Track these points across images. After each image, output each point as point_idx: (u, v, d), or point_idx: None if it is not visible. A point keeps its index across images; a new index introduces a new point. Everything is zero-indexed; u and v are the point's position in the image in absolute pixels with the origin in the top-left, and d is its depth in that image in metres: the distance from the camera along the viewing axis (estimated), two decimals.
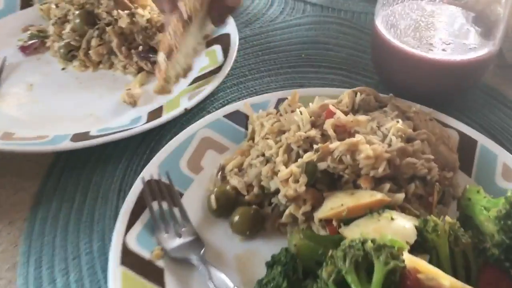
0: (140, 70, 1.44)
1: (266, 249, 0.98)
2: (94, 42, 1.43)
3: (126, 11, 1.42)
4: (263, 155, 1.09)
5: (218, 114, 1.22)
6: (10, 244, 1.05)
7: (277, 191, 1.02)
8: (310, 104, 1.16)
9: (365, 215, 0.91)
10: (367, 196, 0.94)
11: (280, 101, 1.25)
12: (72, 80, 1.43)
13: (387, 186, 0.97)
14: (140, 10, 1.43)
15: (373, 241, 0.78)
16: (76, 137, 1.19)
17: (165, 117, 1.22)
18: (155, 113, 1.27)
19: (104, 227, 1.08)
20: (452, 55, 1.21)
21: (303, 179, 0.98)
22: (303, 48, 1.56)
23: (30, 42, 1.52)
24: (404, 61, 1.25)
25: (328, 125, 1.04)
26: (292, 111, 1.15)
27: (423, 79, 1.27)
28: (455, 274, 0.82)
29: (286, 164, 1.03)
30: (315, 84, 1.44)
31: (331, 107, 1.09)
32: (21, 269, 1.00)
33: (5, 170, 1.20)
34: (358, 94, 1.15)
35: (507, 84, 1.44)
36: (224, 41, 1.48)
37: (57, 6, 1.50)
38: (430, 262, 0.82)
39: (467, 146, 1.15)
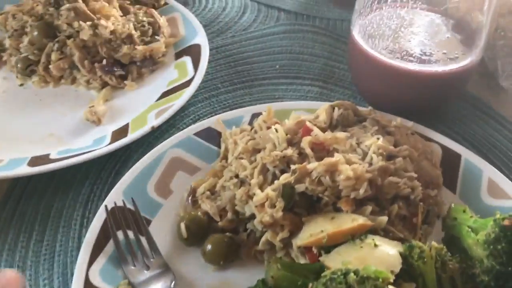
0: (104, 85, 1.36)
1: (241, 279, 0.92)
2: (54, 56, 1.34)
3: (88, 22, 1.33)
4: (237, 176, 1.02)
5: (188, 131, 1.14)
6: None
7: (252, 216, 0.96)
8: (286, 120, 1.10)
9: (346, 241, 0.86)
10: (349, 221, 0.88)
11: (254, 116, 1.18)
12: (31, 97, 1.34)
13: (369, 208, 0.92)
14: (103, 21, 1.34)
15: (356, 272, 0.74)
16: (34, 161, 1.10)
17: (131, 136, 1.14)
18: (120, 132, 1.19)
19: (66, 260, 0.99)
20: (433, 66, 1.17)
21: (280, 203, 0.92)
22: (277, 59, 1.50)
23: None
24: (383, 72, 1.20)
25: (305, 143, 0.99)
26: (268, 128, 1.08)
27: (403, 91, 1.22)
28: None
29: (262, 187, 0.96)
30: (291, 97, 1.38)
31: (308, 124, 1.03)
32: None
33: None
34: (336, 109, 1.09)
35: (489, 93, 1.40)
36: (194, 52, 1.41)
37: (14, 17, 1.40)
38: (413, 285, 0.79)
39: (450, 161, 1.11)
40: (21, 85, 1.37)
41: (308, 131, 1.02)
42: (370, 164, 0.95)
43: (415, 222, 0.96)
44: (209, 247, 0.95)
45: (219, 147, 1.14)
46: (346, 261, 0.80)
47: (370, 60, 1.21)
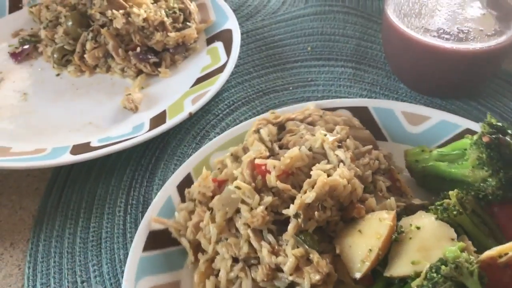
0: (139, 73, 1.37)
1: None
2: (89, 45, 1.35)
3: (121, 11, 1.34)
4: (236, 260, 0.88)
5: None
6: (14, 267, 1.00)
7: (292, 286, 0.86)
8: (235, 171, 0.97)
9: (392, 243, 0.85)
10: (378, 223, 0.86)
11: None
12: (68, 86, 1.36)
13: (372, 200, 0.92)
14: (135, 9, 1.35)
15: (442, 262, 0.75)
16: (76, 149, 1.13)
17: (169, 123, 1.15)
18: (158, 118, 1.20)
19: (113, 246, 1.01)
20: (470, 43, 1.14)
21: (315, 254, 0.83)
22: (308, 41, 1.48)
23: (22, 47, 1.44)
24: (418, 51, 1.18)
25: (272, 181, 0.89)
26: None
27: (439, 70, 1.20)
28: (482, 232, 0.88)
29: (274, 251, 0.86)
30: (324, 79, 1.36)
31: (257, 161, 0.94)
32: None
33: (2, 188, 1.14)
34: (262, 130, 1.04)
35: None
36: (225, 37, 1.40)
37: (47, 8, 1.42)
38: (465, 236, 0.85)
39: (365, 118, 1.12)
40: (58, 75, 1.39)
41: (261, 169, 0.92)
42: (341, 161, 0.94)
43: (398, 185, 1.00)
44: None
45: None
46: (414, 260, 0.80)
47: (405, 39, 1.18)
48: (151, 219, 0.95)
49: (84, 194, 1.11)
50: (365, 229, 0.86)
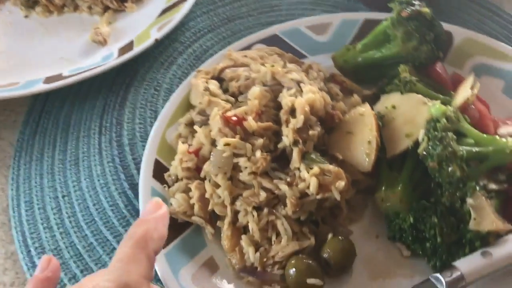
0: (106, 9, 1.39)
1: None
2: None
3: None
4: (258, 209, 0.88)
5: None
6: None
7: None
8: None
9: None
10: (359, 119, 0.94)
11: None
12: (37, 26, 1.38)
13: (340, 103, 1.01)
14: None
15: (435, 121, 0.85)
16: (49, 80, 1.16)
17: (136, 49, 1.19)
18: (126, 48, 1.24)
19: (90, 164, 1.08)
20: None
21: (329, 166, 0.87)
22: None
23: None
24: None
25: (253, 125, 0.90)
26: None
27: None
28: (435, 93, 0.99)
29: (294, 184, 0.87)
30: (288, 3, 1.40)
31: (227, 114, 0.92)
32: (13, 212, 1.01)
33: None
34: (211, 86, 1.03)
35: None
36: None
37: None
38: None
39: (277, 43, 1.16)
40: (26, 16, 1.41)
41: (234, 119, 0.91)
42: (299, 82, 0.97)
43: (346, 86, 1.08)
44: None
45: None
46: (406, 133, 0.90)
47: None
48: None
49: (59, 122, 1.16)
50: (353, 128, 0.93)
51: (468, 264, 0.79)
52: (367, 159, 0.89)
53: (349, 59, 1.09)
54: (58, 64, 1.26)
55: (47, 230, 0.98)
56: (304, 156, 0.88)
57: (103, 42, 1.30)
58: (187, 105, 1.05)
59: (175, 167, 0.94)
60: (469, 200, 0.82)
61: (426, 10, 1.02)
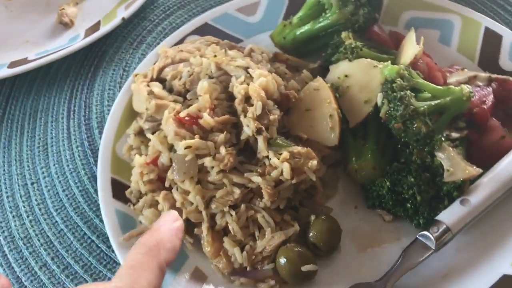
0: None
1: None
2: None
3: None
4: (233, 207, 0.84)
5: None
6: None
7: None
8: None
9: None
10: (315, 94, 0.92)
11: None
12: (1, 10, 1.34)
13: (292, 82, 0.98)
14: None
15: (390, 82, 0.84)
16: (14, 64, 1.13)
17: (103, 29, 1.15)
18: (93, 29, 1.20)
19: (59, 149, 1.05)
20: None
21: (297, 148, 0.85)
22: None
23: None
24: None
25: (209, 121, 0.85)
26: None
27: None
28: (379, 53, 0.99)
29: (266, 173, 0.83)
30: None
31: (180, 116, 0.87)
32: None
33: None
34: (155, 89, 0.95)
35: None
36: None
37: None
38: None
39: (211, 32, 1.12)
40: None
41: (188, 119, 0.86)
42: (247, 68, 0.93)
43: (291, 63, 1.05)
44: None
45: None
46: (364, 99, 0.89)
47: None
48: (122, 241, 0.83)
49: (27, 108, 1.13)
50: (311, 105, 0.90)
51: (450, 215, 0.80)
52: (332, 133, 0.87)
53: (287, 35, 1.06)
54: (24, 48, 1.23)
55: (17, 219, 0.96)
56: (270, 143, 0.84)
57: (69, 24, 1.26)
58: (132, 114, 0.97)
59: (136, 182, 0.87)
60: (439, 154, 0.82)
61: None
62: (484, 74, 0.97)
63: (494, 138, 0.90)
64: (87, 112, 1.09)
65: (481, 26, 1.07)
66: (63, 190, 0.98)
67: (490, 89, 0.94)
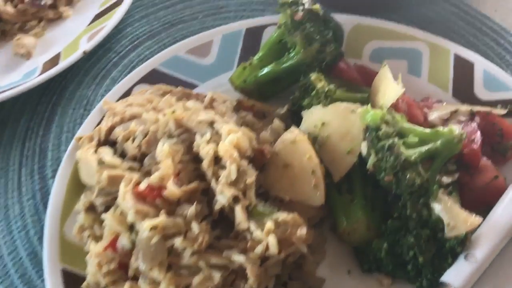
0: (40, 21, 1.23)
1: None
2: None
3: None
4: None
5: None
6: None
7: None
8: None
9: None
10: (292, 148, 0.82)
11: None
12: None
13: (264, 132, 0.89)
14: None
15: (374, 129, 0.78)
16: None
17: (61, 64, 1.05)
18: (52, 61, 1.10)
19: (7, 203, 0.94)
20: None
21: (282, 215, 0.74)
22: None
23: None
24: None
25: (175, 191, 0.73)
26: None
27: None
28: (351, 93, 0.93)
29: (249, 250, 0.73)
30: (236, 4, 1.27)
31: (140, 188, 0.75)
32: None
33: None
34: (105, 156, 0.82)
35: None
36: None
37: None
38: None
39: (161, 79, 1.01)
40: None
41: (148, 192, 0.74)
42: (212, 122, 0.82)
43: (257, 109, 0.97)
44: None
45: None
46: (347, 149, 0.81)
47: None
48: None
49: None
50: (289, 160, 0.80)
51: (458, 276, 0.74)
52: (317, 192, 0.77)
53: (248, 78, 0.97)
54: None
55: None
56: (249, 211, 0.73)
57: (26, 56, 1.15)
58: (80, 185, 0.84)
59: (94, 275, 0.73)
60: (435, 206, 0.76)
61: (316, 6, 0.95)
62: (464, 108, 0.93)
63: (487, 179, 0.85)
64: (41, 158, 0.99)
65: (450, 53, 1.03)
66: (9, 253, 0.87)
67: (475, 125, 0.89)
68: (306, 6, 0.94)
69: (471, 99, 0.98)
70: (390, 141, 0.75)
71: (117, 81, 1.10)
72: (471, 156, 0.84)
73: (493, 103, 0.96)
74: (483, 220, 0.78)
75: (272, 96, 0.99)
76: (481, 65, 1.01)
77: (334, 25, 0.97)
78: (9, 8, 1.20)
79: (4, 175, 0.97)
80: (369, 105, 0.81)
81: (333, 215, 0.83)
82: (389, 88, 0.86)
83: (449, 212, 0.76)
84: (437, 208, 0.76)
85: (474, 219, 0.76)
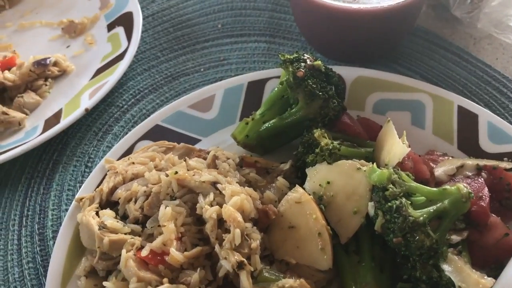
0: (46, 80, 1.23)
1: None
2: None
3: None
4: None
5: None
6: None
7: None
8: None
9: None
10: (297, 208, 0.81)
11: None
12: None
13: (268, 192, 0.87)
14: None
15: (381, 190, 0.77)
16: None
17: (63, 123, 1.04)
18: (53, 119, 1.09)
19: (6, 266, 0.91)
20: (379, 2, 1.08)
21: (289, 281, 0.74)
22: (218, 18, 1.40)
23: None
24: (329, 17, 1.11)
25: (178, 257, 0.72)
26: None
27: (349, 34, 1.13)
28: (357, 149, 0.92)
29: None
30: (237, 56, 1.28)
31: (142, 255, 0.74)
32: None
33: None
34: (107, 221, 0.80)
35: (442, 25, 1.32)
36: (126, 21, 1.30)
37: None
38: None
39: (164, 134, 1.01)
40: None
41: (151, 257, 0.73)
42: (215, 182, 0.80)
43: (260, 165, 0.95)
44: None
45: None
46: (354, 210, 0.79)
47: (314, 6, 1.11)
48: None
49: None
50: (294, 221, 0.79)
51: None
52: (324, 255, 0.75)
53: (251, 133, 0.97)
54: None
55: None
56: (254, 277, 0.70)
57: (27, 113, 1.14)
58: (80, 248, 0.82)
59: None
60: (445, 267, 0.74)
61: (318, 63, 0.95)
62: (471, 162, 0.91)
63: (497, 236, 0.82)
64: (41, 218, 0.96)
65: (454, 105, 1.02)
66: None
67: (482, 180, 0.88)
68: (308, 62, 0.94)
69: (477, 152, 0.97)
70: (398, 202, 0.74)
71: (119, 136, 1.09)
72: (480, 214, 0.82)
73: (499, 156, 0.95)
74: (495, 281, 0.75)
75: (273, 150, 0.98)
76: (485, 117, 1.00)
77: (336, 80, 0.97)
78: (9, 75, 1.20)
79: (4, 235, 0.95)
80: (375, 164, 0.80)
81: (340, 276, 0.80)
82: (395, 146, 0.85)
83: (459, 273, 0.73)
84: (447, 269, 0.74)
85: (485, 280, 0.73)
